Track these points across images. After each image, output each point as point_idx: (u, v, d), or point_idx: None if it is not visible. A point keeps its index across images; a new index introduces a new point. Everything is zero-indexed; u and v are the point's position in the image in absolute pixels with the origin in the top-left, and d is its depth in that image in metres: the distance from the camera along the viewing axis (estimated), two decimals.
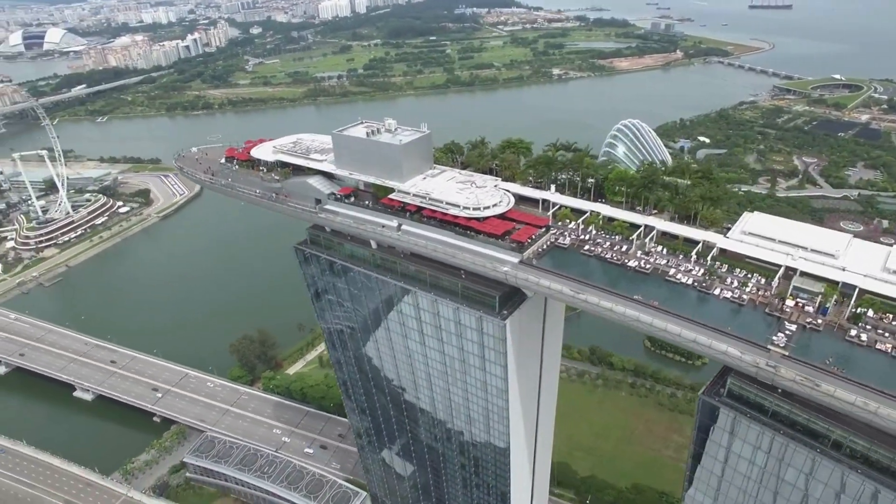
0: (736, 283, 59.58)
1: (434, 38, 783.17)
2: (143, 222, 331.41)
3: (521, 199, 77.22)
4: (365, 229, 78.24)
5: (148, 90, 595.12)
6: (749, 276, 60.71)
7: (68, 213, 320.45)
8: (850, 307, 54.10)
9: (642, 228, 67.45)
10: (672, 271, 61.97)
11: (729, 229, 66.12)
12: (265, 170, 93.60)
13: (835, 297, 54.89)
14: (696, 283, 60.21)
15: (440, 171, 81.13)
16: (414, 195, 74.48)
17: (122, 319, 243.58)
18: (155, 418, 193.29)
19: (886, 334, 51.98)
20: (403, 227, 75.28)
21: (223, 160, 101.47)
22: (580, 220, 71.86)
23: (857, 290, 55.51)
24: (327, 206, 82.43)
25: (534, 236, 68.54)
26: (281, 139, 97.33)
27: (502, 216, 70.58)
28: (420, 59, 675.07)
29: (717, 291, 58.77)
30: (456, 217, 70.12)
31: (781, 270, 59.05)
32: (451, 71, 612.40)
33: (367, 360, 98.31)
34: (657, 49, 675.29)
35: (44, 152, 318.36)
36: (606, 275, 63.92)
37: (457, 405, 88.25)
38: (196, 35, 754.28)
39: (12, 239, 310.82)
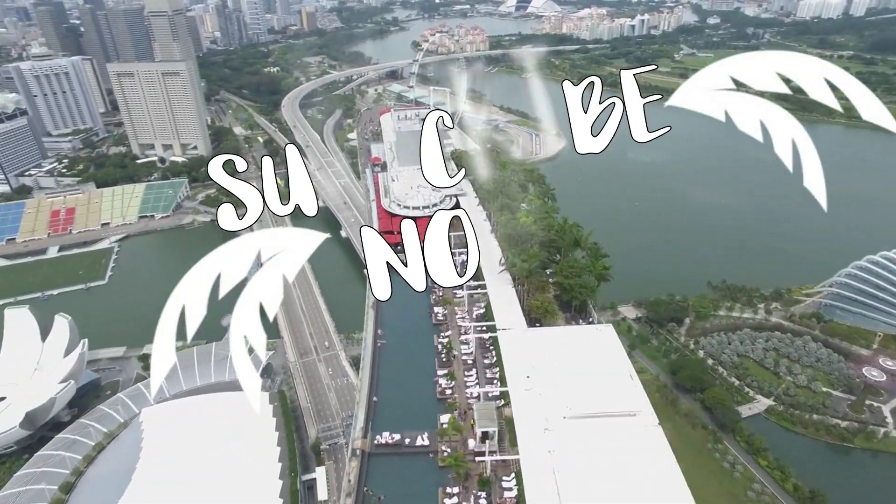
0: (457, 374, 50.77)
1: None
2: None
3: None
4: None
5: (574, 59, 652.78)
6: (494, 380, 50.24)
7: None
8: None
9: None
10: (445, 333, 56.02)
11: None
12: None
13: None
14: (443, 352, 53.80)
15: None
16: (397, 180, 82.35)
17: None
18: None
19: None
20: None
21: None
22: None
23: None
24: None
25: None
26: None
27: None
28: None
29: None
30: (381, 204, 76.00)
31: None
32: None
33: None
34: None
35: (447, 90, 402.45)
36: (415, 310, 61.93)
37: None
38: (645, 16, 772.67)
39: None
